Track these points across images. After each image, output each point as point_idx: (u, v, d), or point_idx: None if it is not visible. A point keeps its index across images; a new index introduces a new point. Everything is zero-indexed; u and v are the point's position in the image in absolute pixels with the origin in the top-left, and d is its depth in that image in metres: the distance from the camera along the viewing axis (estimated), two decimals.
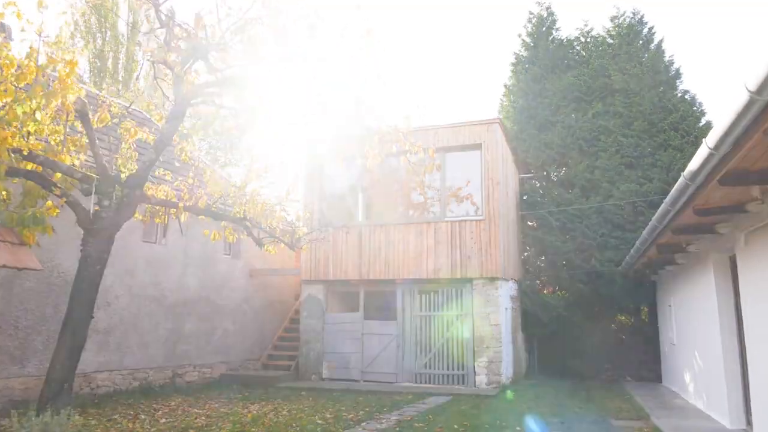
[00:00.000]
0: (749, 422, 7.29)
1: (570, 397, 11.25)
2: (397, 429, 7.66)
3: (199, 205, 8.43)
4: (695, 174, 4.88)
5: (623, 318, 16.68)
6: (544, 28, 18.06)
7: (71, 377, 6.99)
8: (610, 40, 17.35)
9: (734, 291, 7.65)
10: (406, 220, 13.53)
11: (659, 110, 15.76)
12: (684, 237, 7.76)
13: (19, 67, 5.87)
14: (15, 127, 5.81)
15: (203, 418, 7.98)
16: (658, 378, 13.97)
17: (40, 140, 7.74)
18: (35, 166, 6.83)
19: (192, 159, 8.46)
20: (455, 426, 7.85)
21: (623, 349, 15.12)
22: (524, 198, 16.29)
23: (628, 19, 17.15)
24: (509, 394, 11.40)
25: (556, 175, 16.68)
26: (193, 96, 7.91)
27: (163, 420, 7.75)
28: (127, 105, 10.03)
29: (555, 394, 11.51)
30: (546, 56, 17.57)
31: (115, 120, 8.51)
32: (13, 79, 5.76)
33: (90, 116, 7.51)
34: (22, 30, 6.01)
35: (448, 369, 12.62)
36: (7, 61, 5.76)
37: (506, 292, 13.24)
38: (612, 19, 17.40)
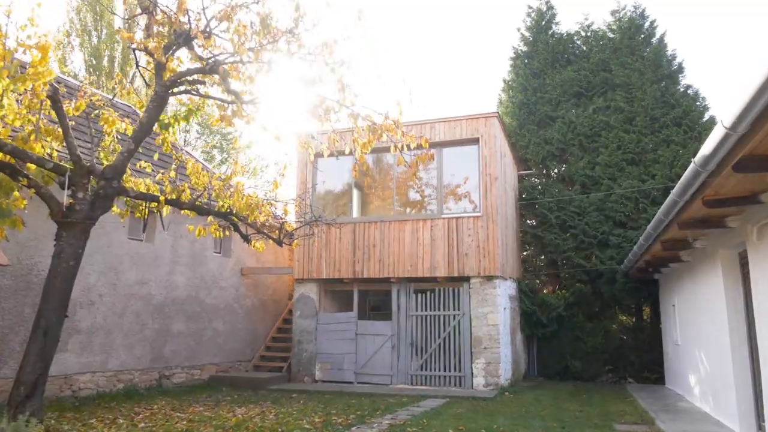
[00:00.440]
0: (761, 427, 6.91)
1: (570, 399, 10.86)
2: None
3: (182, 199, 8.04)
4: (708, 159, 4.49)
5: (625, 318, 16.31)
6: (543, 23, 17.69)
7: (43, 380, 6.59)
8: (610, 35, 16.98)
9: (744, 288, 7.27)
10: (402, 217, 13.14)
11: (661, 105, 15.40)
12: (691, 232, 7.36)
13: None
14: None
15: (184, 422, 7.58)
16: (661, 380, 13.58)
17: (14, 130, 7.37)
18: (3, 155, 6.44)
19: (174, 150, 8.06)
20: (450, 431, 7.46)
21: (625, 350, 14.72)
22: (523, 195, 15.91)
23: (629, 13, 16.77)
24: (507, 396, 11.01)
25: (555, 172, 16.30)
26: (175, 84, 7.53)
27: (142, 425, 7.35)
28: (110, 97, 9.67)
29: (555, 397, 11.12)
30: (545, 51, 17.21)
31: (98, 111, 8.13)
32: None
33: (65, 103, 7.14)
34: None
35: (444, 370, 12.23)
36: None
37: (504, 291, 12.85)
38: (613, 13, 17.03)
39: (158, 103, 7.49)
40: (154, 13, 7.52)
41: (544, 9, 17.78)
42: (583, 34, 17.43)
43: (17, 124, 7.01)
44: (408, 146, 7.12)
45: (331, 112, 7.12)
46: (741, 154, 4.23)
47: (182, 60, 8.05)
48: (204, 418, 7.95)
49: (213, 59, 7.24)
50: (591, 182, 15.30)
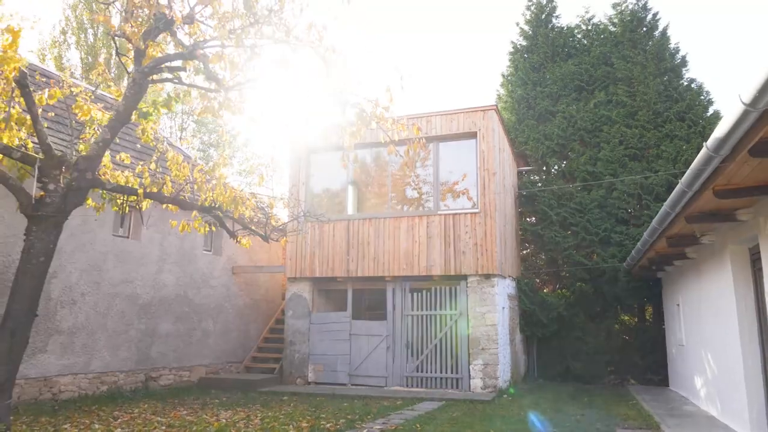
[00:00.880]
0: None
1: (571, 402, 10.46)
2: None
3: (163, 193, 7.65)
4: (722, 142, 4.09)
5: (627, 318, 15.89)
6: (543, 16, 17.31)
7: (10, 383, 6.18)
8: (612, 28, 16.60)
9: (755, 286, 6.87)
10: (397, 214, 12.73)
11: (664, 99, 15.00)
12: (698, 226, 6.96)
13: None
14: None
15: (164, 427, 7.19)
16: (664, 382, 13.17)
17: None
18: None
19: (155, 141, 7.67)
20: None
21: (627, 351, 14.31)
22: (522, 192, 15.51)
23: (631, 6, 16.38)
24: (506, 399, 10.61)
25: (556, 168, 15.89)
26: (154, 70, 7.15)
27: (118, 430, 6.95)
28: (93, 88, 9.28)
29: (555, 399, 10.72)
30: (545, 44, 16.82)
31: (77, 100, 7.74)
32: None
33: (36, 92, 6.75)
34: None
35: (441, 372, 11.83)
36: None
37: (503, 290, 12.45)
38: (614, 6, 16.63)
39: (136, 90, 7.09)
40: None
41: (544, 2, 17.40)
42: (583, 27, 17.04)
43: None
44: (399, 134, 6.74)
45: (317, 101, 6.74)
46: (759, 136, 3.83)
47: (165, 48, 7.69)
48: (185, 423, 7.55)
49: (193, 44, 6.86)
50: (592, 178, 14.90)
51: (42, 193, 6.45)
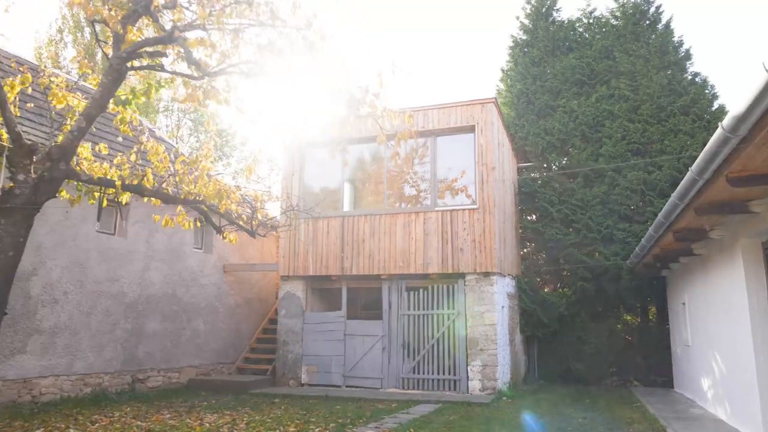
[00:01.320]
0: None
1: (573, 404, 10.07)
2: None
3: (144, 185, 7.26)
4: (741, 120, 3.70)
5: (629, 318, 15.51)
6: (543, 9, 16.93)
7: None
8: (614, 21, 16.22)
9: None
10: (393, 210, 12.34)
11: (668, 93, 14.61)
12: (708, 219, 6.56)
13: None
14: None
15: None
16: (668, 383, 12.77)
17: None
18: None
19: (135, 131, 7.29)
20: None
21: (630, 352, 13.92)
22: (522, 189, 15.11)
23: None
24: (505, 401, 10.22)
25: (557, 164, 15.50)
26: (133, 56, 6.76)
27: None
28: (75, 79, 8.89)
29: (556, 402, 10.33)
30: (546, 38, 16.44)
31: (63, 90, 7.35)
32: None
33: (5, 78, 6.37)
34: None
35: (438, 373, 11.43)
36: None
37: (503, 288, 12.06)
38: None
39: (113, 77, 6.70)
40: None
41: None
42: (585, 21, 16.67)
43: None
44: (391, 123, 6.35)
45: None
46: None
47: (146, 34, 7.33)
48: (166, 427, 7.17)
49: (172, 26, 6.48)
50: (594, 174, 14.51)
51: (11, 184, 6.07)
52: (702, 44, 31.51)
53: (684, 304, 10.85)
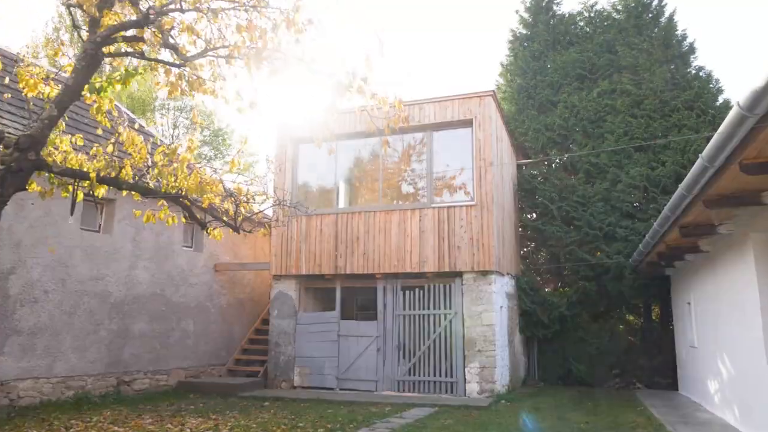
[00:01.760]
0: None
1: (575, 408, 9.68)
2: None
3: (121, 177, 6.89)
4: (761, 95, 3.31)
5: (632, 318, 15.10)
6: (544, 3, 16.55)
7: None
8: (616, 15, 15.85)
9: None
10: (388, 207, 11.96)
11: (672, 88, 14.23)
12: (717, 212, 6.17)
13: None
14: None
15: None
16: (673, 385, 12.39)
17: None
18: None
19: (112, 121, 6.91)
20: None
21: (633, 353, 13.51)
22: (522, 186, 14.72)
23: None
24: (504, 404, 9.83)
25: (557, 160, 15.12)
26: (108, 41, 6.40)
27: None
28: (57, 70, 8.53)
29: (557, 405, 9.94)
30: (546, 32, 16.07)
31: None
32: None
33: None
34: None
35: (434, 376, 11.04)
36: None
37: (501, 288, 11.67)
38: None
39: (87, 62, 6.33)
40: None
41: None
42: (586, 14, 16.30)
43: None
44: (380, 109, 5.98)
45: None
46: None
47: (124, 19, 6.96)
48: None
49: (148, 7, 6.12)
50: (596, 170, 14.13)
51: None
52: (706, 38, 31.04)
53: (689, 303, 10.46)
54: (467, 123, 11.71)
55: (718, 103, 14.05)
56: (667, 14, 15.36)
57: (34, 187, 6.39)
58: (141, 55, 6.83)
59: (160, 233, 11.57)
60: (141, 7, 6.75)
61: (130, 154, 7.15)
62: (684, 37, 15.10)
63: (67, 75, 7.45)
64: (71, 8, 7.19)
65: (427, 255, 11.32)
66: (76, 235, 9.95)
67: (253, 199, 7.61)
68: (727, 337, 8.00)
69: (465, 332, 10.91)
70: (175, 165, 6.69)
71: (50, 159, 6.34)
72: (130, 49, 6.87)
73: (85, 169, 6.84)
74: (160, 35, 6.26)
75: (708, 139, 12.74)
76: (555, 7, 16.51)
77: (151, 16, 5.85)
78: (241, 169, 7.60)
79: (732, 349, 7.76)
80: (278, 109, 7.73)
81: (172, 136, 29.61)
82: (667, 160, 13.39)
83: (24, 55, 7.58)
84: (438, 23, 46.60)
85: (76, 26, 7.38)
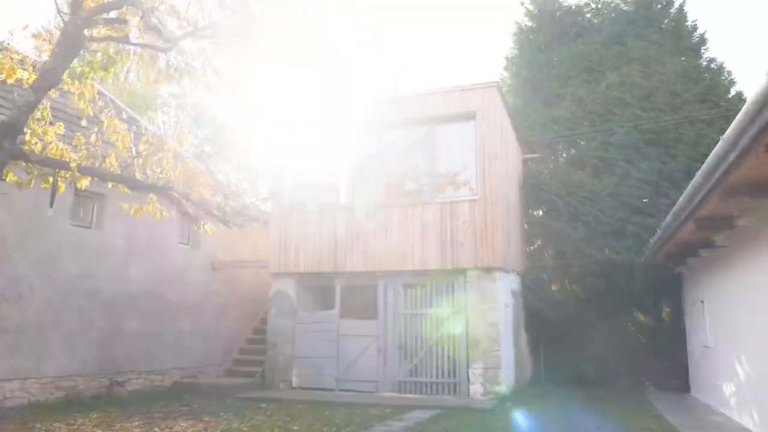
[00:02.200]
0: None
1: (583, 410, 9.27)
2: None
3: (104, 168, 6.56)
4: None
5: (642, 317, 14.64)
6: None
7: None
8: (624, 6, 15.44)
9: None
10: (389, 203, 11.57)
11: (683, 80, 13.78)
12: (737, 202, 5.73)
13: None
14: None
15: None
16: (684, 387, 11.94)
17: None
18: None
19: (95, 108, 6.58)
20: None
21: (643, 353, 13.07)
22: (528, 181, 14.27)
23: None
24: (509, 407, 9.43)
25: (564, 155, 14.69)
26: (89, 23, 6.07)
27: None
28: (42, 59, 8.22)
29: (565, 407, 9.52)
30: (552, 24, 15.70)
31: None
32: None
33: None
34: None
35: (436, 377, 10.66)
36: None
37: (506, 285, 11.27)
38: None
39: (68, 46, 6.01)
40: None
41: None
42: (593, 5, 15.95)
43: None
44: None
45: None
46: None
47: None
48: None
49: None
50: (604, 165, 13.68)
51: None
52: (717, 29, 30.31)
53: (703, 302, 10.03)
54: (470, 115, 11.31)
55: (730, 96, 13.61)
56: (677, 5, 14.96)
57: (12, 177, 6.07)
58: (126, 40, 6.51)
59: (154, 230, 11.24)
60: None
61: (114, 145, 6.82)
62: (695, 28, 14.68)
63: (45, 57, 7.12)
64: None
65: (429, 252, 10.93)
66: (65, 231, 9.63)
67: (245, 192, 7.28)
68: (745, 336, 7.57)
69: (468, 331, 10.52)
70: (160, 155, 6.35)
71: (27, 148, 6.00)
72: (114, 34, 6.54)
73: (66, 160, 6.51)
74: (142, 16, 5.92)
75: (722, 131, 12.37)
76: None
77: None
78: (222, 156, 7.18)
79: (750, 350, 7.34)
80: (272, 95, 7.38)
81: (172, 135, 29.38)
82: (678, 153, 12.94)
83: (8, 43, 7.25)
84: (440, 17, 46.19)
85: (59, 11, 7.04)
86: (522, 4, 16.62)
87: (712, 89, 13.51)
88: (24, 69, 6.22)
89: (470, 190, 11.28)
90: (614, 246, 12.84)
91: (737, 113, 3.48)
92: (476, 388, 10.24)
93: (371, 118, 11.42)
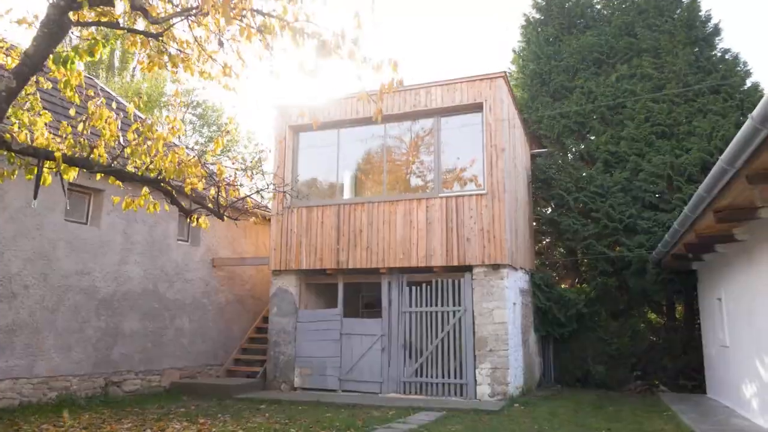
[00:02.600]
0: None
1: (594, 413, 8.88)
2: None
3: (93, 159, 6.26)
4: None
5: (654, 316, 14.22)
6: None
7: None
8: None
9: None
10: (392, 197, 11.24)
11: (696, 71, 13.36)
12: (762, 189, 5.35)
13: None
14: None
15: None
16: (699, 388, 11.53)
17: None
18: None
19: (82, 95, 6.29)
20: None
21: (656, 353, 12.66)
22: (537, 177, 13.90)
23: None
24: (517, 408, 9.07)
25: (573, 149, 14.30)
26: (74, 5, 5.76)
27: None
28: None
29: (575, 410, 9.15)
30: (561, 15, 15.29)
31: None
32: None
33: None
34: None
35: (442, 377, 10.30)
36: None
37: (514, 283, 10.90)
38: None
39: (50, 29, 5.69)
40: None
41: None
42: None
43: None
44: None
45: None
46: None
47: None
48: None
49: None
50: (615, 159, 13.29)
51: None
52: (732, 19, 29.61)
53: (720, 299, 9.62)
54: (477, 107, 10.96)
55: (745, 87, 13.16)
56: None
57: None
58: (116, 25, 6.20)
59: (153, 226, 10.98)
60: None
61: (102, 133, 6.51)
62: (708, 18, 14.23)
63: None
64: None
65: (435, 248, 10.58)
66: (61, 227, 9.36)
67: (240, 184, 6.94)
68: (766, 335, 7.17)
69: (475, 330, 10.16)
70: (149, 143, 6.04)
71: (8, 136, 5.71)
72: (102, 18, 6.23)
73: (51, 149, 6.20)
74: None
75: (737, 125, 11.93)
76: None
77: None
78: (215, 144, 6.85)
79: None
80: (273, 90, 7.06)
81: (179, 137, 29.22)
82: (692, 147, 12.52)
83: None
84: (447, 10, 45.82)
85: None
86: None
87: (726, 80, 13.08)
88: (7, 55, 5.93)
89: (477, 184, 10.93)
90: (625, 243, 12.44)
91: (754, 104, 3.11)
92: (483, 389, 9.88)
93: (374, 111, 11.09)
